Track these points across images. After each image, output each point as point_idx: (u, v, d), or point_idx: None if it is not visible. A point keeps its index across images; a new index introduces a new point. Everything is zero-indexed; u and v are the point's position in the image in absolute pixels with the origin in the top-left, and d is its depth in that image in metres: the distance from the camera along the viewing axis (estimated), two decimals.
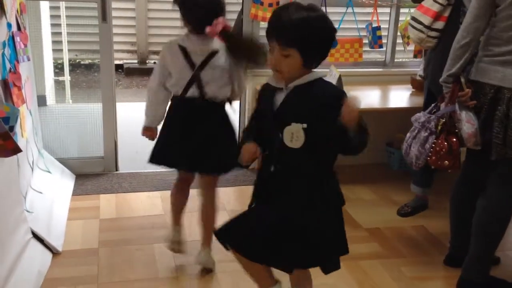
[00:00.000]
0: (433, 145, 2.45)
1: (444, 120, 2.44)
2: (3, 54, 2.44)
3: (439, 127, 2.46)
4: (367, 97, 3.83)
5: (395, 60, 4.23)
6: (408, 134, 2.60)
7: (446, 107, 2.44)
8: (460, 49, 2.34)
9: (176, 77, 2.46)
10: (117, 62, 4.85)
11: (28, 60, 2.98)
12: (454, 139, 2.42)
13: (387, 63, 4.19)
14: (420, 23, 2.93)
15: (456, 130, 2.41)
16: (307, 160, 1.78)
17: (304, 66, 1.74)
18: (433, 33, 2.91)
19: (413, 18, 2.99)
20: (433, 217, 3.28)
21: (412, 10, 3.95)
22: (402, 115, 3.83)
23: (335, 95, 1.74)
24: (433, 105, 2.57)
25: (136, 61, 7.89)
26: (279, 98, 1.81)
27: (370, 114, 3.85)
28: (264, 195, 1.90)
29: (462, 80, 2.37)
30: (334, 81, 3.51)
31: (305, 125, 1.72)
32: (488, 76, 2.32)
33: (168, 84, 2.50)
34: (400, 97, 3.83)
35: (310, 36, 1.68)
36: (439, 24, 2.88)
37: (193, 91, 2.44)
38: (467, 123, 2.34)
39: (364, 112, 3.68)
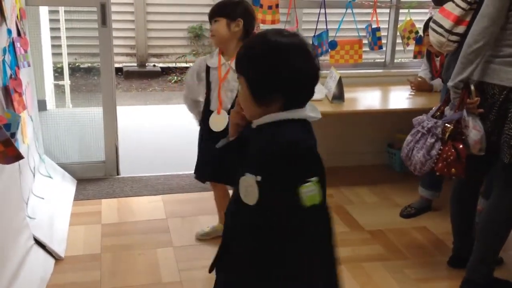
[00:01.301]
0: (439, 151, 2.38)
1: (451, 127, 2.38)
2: (3, 61, 2.43)
3: (447, 134, 2.38)
4: (368, 99, 3.84)
5: (395, 61, 4.23)
6: (409, 137, 2.54)
7: (454, 113, 2.38)
8: (472, 54, 2.28)
9: None
10: (116, 65, 4.83)
11: (29, 66, 2.97)
12: (461, 146, 2.35)
13: (387, 64, 4.19)
14: (441, 26, 2.82)
15: (463, 137, 2.35)
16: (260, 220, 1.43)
17: (255, 102, 1.40)
18: (454, 37, 2.80)
19: (434, 21, 2.88)
20: (435, 218, 3.27)
21: (412, 11, 4.01)
22: (403, 116, 3.83)
23: (280, 147, 1.36)
24: (434, 108, 2.54)
25: (135, 64, 7.90)
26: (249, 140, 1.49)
27: (370, 115, 3.90)
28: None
29: (472, 87, 2.32)
30: (334, 83, 3.52)
31: (259, 178, 1.39)
32: (499, 77, 2.29)
33: None
34: (400, 98, 3.82)
35: (254, 62, 1.39)
36: (460, 29, 2.76)
37: None
38: (474, 130, 2.31)
39: (365, 114, 3.73)
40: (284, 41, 1.37)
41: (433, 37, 2.89)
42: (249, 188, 1.40)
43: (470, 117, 2.33)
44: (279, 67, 1.36)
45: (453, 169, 2.36)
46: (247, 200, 1.42)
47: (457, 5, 2.74)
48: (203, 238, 2.96)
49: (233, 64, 2.57)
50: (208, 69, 2.68)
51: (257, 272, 1.45)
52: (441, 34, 2.81)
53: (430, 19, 3.48)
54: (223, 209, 2.89)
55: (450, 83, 2.39)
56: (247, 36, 2.60)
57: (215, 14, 2.62)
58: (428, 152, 2.41)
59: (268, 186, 1.38)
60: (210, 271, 1.60)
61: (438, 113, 2.50)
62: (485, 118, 2.35)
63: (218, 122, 2.65)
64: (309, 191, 1.32)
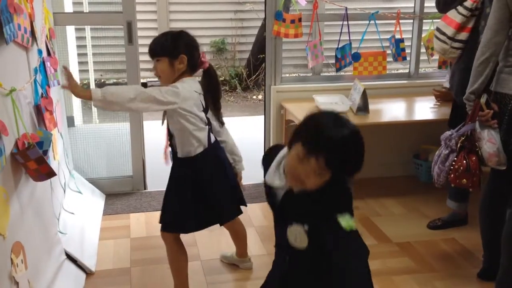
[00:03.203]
0: (453, 163, 2.46)
1: (463, 138, 2.43)
2: (35, 80, 2.50)
3: (459, 145, 2.45)
4: (393, 110, 3.83)
5: (420, 72, 4.21)
6: (436, 152, 2.61)
7: (466, 125, 2.43)
8: (481, 65, 2.33)
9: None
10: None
11: (58, 84, 3.04)
12: (474, 158, 2.42)
13: (411, 75, 4.17)
14: (444, 34, 2.93)
15: (477, 149, 2.40)
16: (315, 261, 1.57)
17: (321, 177, 1.51)
18: (457, 44, 2.90)
19: (438, 29, 2.99)
20: (464, 229, 3.24)
21: (435, 21, 3.99)
22: (428, 127, 3.82)
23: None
24: (462, 123, 2.54)
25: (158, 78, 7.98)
26: (280, 192, 1.64)
27: (396, 126, 3.88)
28: None
29: (482, 100, 2.35)
30: (358, 95, 3.52)
31: (306, 227, 1.53)
32: (508, 86, 2.30)
33: (199, 134, 2.45)
34: (425, 108, 3.80)
35: (335, 150, 1.47)
36: (463, 35, 2.88)
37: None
38: (488, 142, 2.33)
39: (390, 125, 3.71)
40: (348, 132, 1.49)
41: (436, 45, 3.02)
42: (298, 235, 1.55)
43: (485, 130, 2.35)
44: (353, 152, 1.49)
45: (463, 180, 2.43)
46: (297, 246, 1.56)
47: (459, 12, 2.85)
48: (222, 260, 2.94)
49: None
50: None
51: None
52: (444, 42, 2.92)
53: None
54: (237, 245, 2.88)
55: (463, 97, 2.43)
56: (193, 69, 2.44)
57: (155, 54, 2.39)
58: (443, 163, 2.49)
59: (314, 231, 1.53)
60: None
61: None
62: (498, 127, 2.36)
63: None
64: (345, 219, 1.49)
